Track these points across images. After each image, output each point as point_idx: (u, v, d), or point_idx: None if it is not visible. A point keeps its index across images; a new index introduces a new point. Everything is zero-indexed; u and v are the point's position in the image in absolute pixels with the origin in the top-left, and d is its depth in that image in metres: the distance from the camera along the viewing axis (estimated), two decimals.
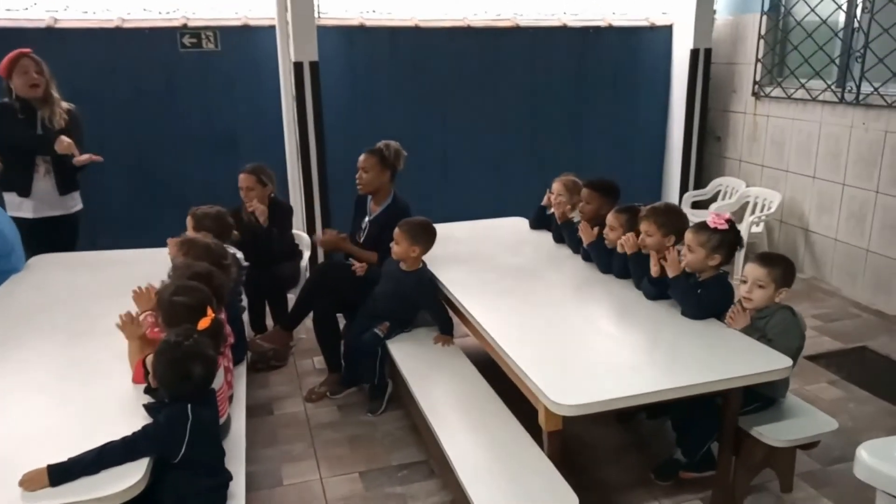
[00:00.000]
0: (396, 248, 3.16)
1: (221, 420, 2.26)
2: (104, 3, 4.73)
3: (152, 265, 3.03)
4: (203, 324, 2.11)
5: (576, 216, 3.64)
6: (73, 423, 2.05)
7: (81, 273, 3.38)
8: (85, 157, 3.69)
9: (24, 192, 3.67)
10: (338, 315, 3.57)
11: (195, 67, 4.83)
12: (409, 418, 3.21)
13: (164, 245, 3.50)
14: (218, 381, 2.20)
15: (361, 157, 3.61)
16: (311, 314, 3.58)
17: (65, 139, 3.58)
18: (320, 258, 4.64)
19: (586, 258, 3.39)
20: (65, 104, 3.76)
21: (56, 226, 3.80)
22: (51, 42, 4.46)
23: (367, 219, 3.72)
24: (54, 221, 3.80)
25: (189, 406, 1.89)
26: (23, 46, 3.80)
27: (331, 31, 4.96)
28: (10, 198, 3.72)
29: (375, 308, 3.31)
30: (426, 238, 3.20)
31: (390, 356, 3.18)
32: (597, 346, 2.58)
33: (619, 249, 3.08)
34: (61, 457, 1.77)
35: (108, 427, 1.91)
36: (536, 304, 2.96)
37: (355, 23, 5.11)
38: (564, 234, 3.62)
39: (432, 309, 3.23)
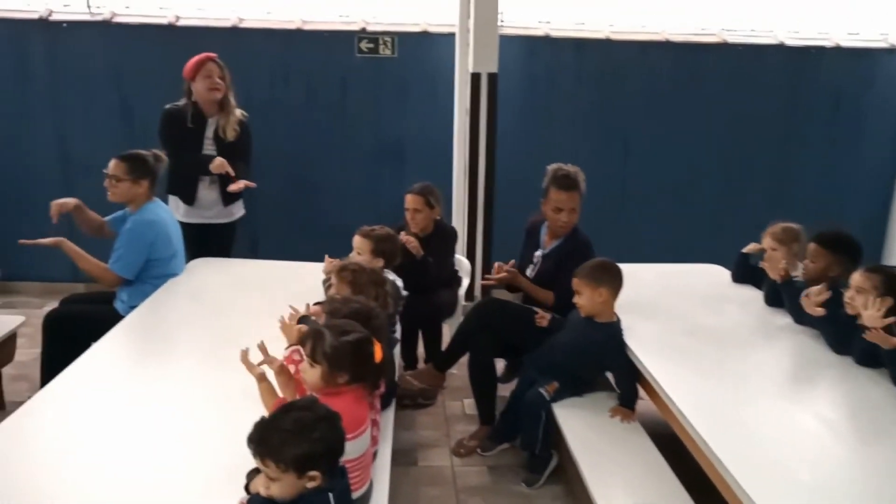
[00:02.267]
0: (581, 301, 2.67)
1: (361, 491, 1.88)
2: (286, 4, 4.67)
3: (310, 279, 3.01)
4: (378, 356, 1.84)
5: (795, 272, 2.95)
6: (197, 454, 1.85)
7: (237, 281, 3.25)
8: (240, 184, 3.59)
9: (189, 200, 3.64)
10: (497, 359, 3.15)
11: (369, 73, 4.64)
12: (573, 498, 2.70)
13: (320, 258, 3.31)
14: (362, 446, 1.83)
15: (559, 194, 3.15)
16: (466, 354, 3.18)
17: (218, 160, 3.50)
18: (467, 284, 4.21)
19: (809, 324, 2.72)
20: (238, 112, 3.67)
21: (216, 231, 3.75)
22: (233, 42, 4.45)
23: (539, 252, 3.26)
24: (215, 227, 3.74)
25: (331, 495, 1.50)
26: (207, 45, 3.77)
27: (512, 40, 4.57)
28: (175, 201, 3.68)
29: (548, 359, 2.82)
30: (611, 278, 2.67)
31: (556, 423, 2.69)
32: (828, 461, 1.93)
33: (868, 324, 2.37)
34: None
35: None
36: (747, 388, 2.35)
37: (539, 33, 4.69)
38: (784, 296, 2.93)
39: (619, 373, 2.70)
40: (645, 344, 2.66)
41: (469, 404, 3.34)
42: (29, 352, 3.56)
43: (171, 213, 3.37)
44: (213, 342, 2.56)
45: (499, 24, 4.37)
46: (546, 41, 4.67)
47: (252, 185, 3.63)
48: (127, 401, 2.15)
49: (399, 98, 4.69)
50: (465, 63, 4.39)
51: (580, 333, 2.73)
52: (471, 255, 4.41)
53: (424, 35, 4.61)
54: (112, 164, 3.09)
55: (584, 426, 2.60)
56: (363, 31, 4.56)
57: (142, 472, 1.79)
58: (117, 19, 4.52)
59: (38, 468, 1.79)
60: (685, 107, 4.82)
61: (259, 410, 1.95)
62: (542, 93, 4.73)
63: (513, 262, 3.29)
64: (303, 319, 2.61)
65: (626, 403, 2.66)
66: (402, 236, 3.37)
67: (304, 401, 1.62)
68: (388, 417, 2.45)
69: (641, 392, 2.68)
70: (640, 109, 4.81)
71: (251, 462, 1.52)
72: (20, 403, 3.25)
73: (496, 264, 3.29)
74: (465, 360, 3.19)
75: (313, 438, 1.44)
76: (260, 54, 4.54)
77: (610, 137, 4.83)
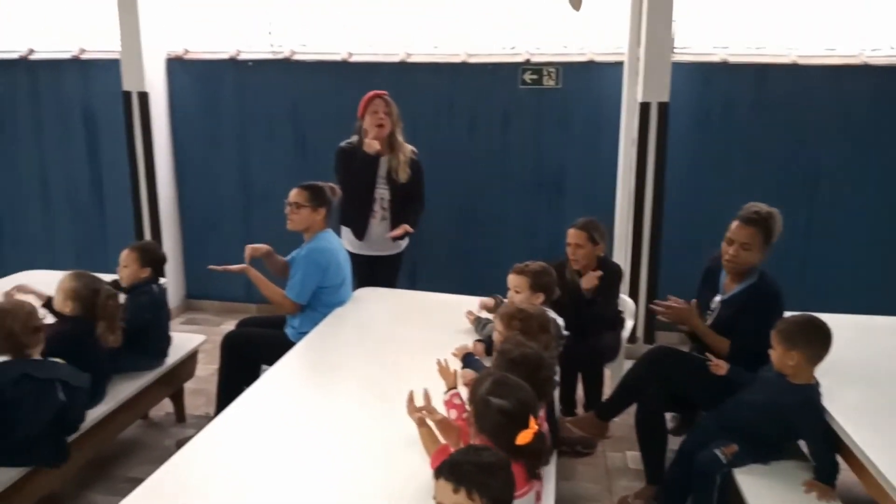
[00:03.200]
0: (773, 356, 2.39)
1: None
2: (452, 38, 4.73)
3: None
4: (523, 439, 1.64)
5: None
6: (356, 485, 1.85)
7: (400, 312, 3.29)
8: (400, 230, 3.67)
9: (360, 234, 3.75)
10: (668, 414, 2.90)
11: (531, 105, 4.57)
12: None
13: (476, 291, 3.26)
14: None
15: (735, 225, 2.87)
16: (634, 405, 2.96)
17: (398, 231, 3.66)
18: (631, 326, 3.94)
19: None
20: (409, 149, 3.74)
21: (383, 262, 3.84)
22: (401, 76, 4.58)
23: (718, 297, 2.98)
24: (383, 259, 3.84)
25: None
26: (377, 80, 3.90)
27: (684, 67, 4.31)
28: (347, 233, 3.82)
29: (731, 418, 2.54)
30: (807, 342, 2.35)
31: (737, 491, 2.40)
32: None
33: None
34: None
35: None
36: None
37: (716, 59, 4.39)
38: None
39: (815, 442, 2.37)
40: (847, 410, 2.34)
41: (633, 457, 3.12)
42: (207, 367, 3.82)
43: (341, 243, 3.47)
44: (377, 375, 2.58)
45: (671, 50, 4.15)
46: (723, 67, 4.36)
47: (411, 230, 3.70)
48: (295, 428, 2.20)
49: (561, 129, 4.58)
50: (634, 92, 4.21)
51: (771, 393, 2.43)
52: (634, 295, 4.17)
53: (590, 64, 4.48)
54: (294, 192, 3.26)
55: (773, 499, 2.30)
56: (527, 62, 4.51)
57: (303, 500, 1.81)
58: (296, 57, 4.82)
59: (213, 491, 1.86)
60: (886, 137, 4.29)
61: (415, 448, 1.92)
62: (717, 123, 4.41)
63: (694, 301, 3.03)
64: (466, 356, 2.56)
65: (825, 478, 2.31)
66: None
67: (484, 446, 1.60)
68: (549, 467, 2.32)
69: (842, 464, 2.34)
70: (831, 140, 4.34)
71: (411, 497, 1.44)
72: (198, 417, 3.52)
73: (670, 297, 3.05)
74: (630, 409, 2.98)
75: (499, 482, 1.45)
76: (425, 88, 4.63)
77: (794, 171, 4.40)
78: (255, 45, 4.96)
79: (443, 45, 4.75)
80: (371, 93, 3.70)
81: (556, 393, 2.98)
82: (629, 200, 4.26)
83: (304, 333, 3.03)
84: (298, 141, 4.89)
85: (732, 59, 4.36)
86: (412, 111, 3.96)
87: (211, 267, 3.26)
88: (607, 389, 3.44)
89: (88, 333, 2.70)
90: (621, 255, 4.34)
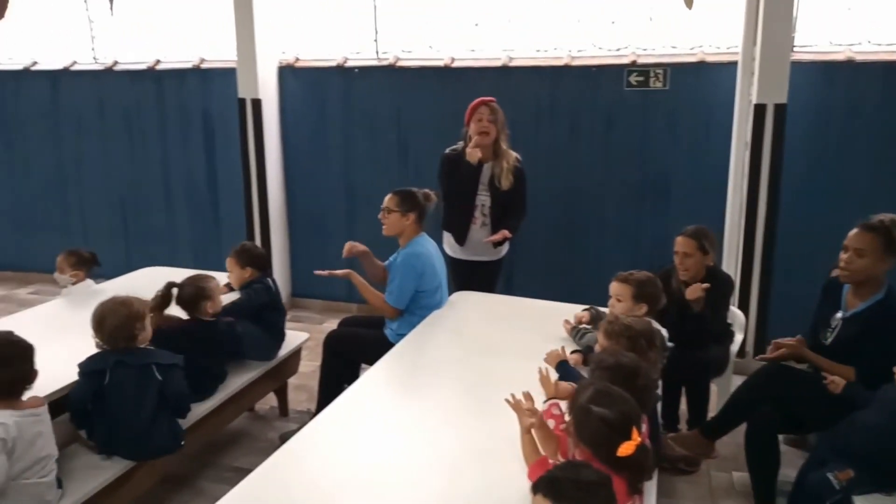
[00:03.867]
0: None
1: None
2: (557, 41, 4.67)
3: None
4: (625, 450, 1.59)
5: None
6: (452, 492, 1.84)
7: (496, 317, 3.26)
8: (497, 236, 3.63)
9: (460, 240, 3.76)
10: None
11: (637, 107, 4.44)
12: None
13: (574, 298, 3.20)
14: None
15: (853, 231, 2.67)
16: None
17: (505, 235, 3.64)
18: (741, 340, 3.73)
19: None
20: (513, 157, 3.72)
21: (483, 268, 3.83)
22: (503, 81, 4.57)
23: (840, 314, 2.78)
24: (483, 264, 3.83)
25: None
26: (478, 84, 3.91)
27: (804, 67, 4.05)
28: (448, 238, 3.85)
29: (845, 441, 2.36)
30: None
31: None
32: None
33: None
34: None
35: None
36: None
37: (841, 57, 4.09)
38: None
39: None
40: None
41: (740, 479, 2.95)
42: (309, 364, 3.95)
43: (436, 247, 3.50)
44: (472, 379, 2.58)
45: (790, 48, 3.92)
46: (847, 66, 4.06)
47: (510, 235, 3.67)
48: (393, 429, 2.23)
49: (668, 133, 4.42)
50: (748, 93, 4.00)
51: (892, 416, 2.24)
52: (745, 307, 3.96)
53: (700, 65, 4.30)
54: (387, 198, 3.33)
55: None
56: (633, 63, 4.39)
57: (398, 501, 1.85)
58: (401, 63, 4.91)
59: (315, 486, 1.91)
60: None
61: (511, 455, 1.89)
62: (839, 126, 4.11)
63: (799, 337, 2.85)
64: (562, 365, 2.51)
65: None
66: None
67: (584, 462, 1.57)
68: (650, 483, 2.23)
69: None
70: None
71: None
72: (300, 412, 3.64)
73: (773, 342, 2.88)
74: (738, 428, 2.83)
75: (599, 501, 1.42)
76: (527, 92, 4.59)
77: None
78: (362, 51, 5.09)
79: (545, 48, 4.70)
80: (478, 100, 3.70)
81: (659, 407, 2.89)
82: (741, 208, 4.04)
83: (402, 335, 3.08)
84: (401, 146, 4.98)
85: (859, 57, 4.05)
86: (512, 115, 3.93)
87: (317, 272, 3.36)
88: (713, 406, 3.28)
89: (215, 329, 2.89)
90: (731, 265, 4.13)
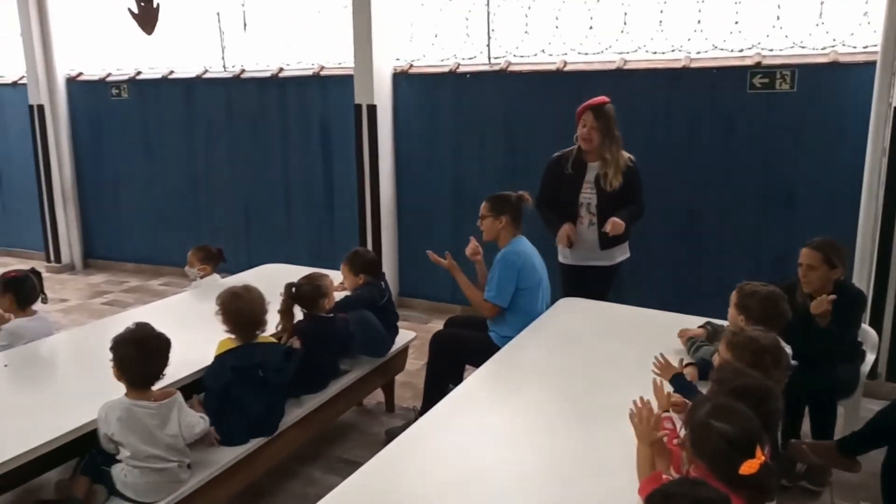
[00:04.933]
0: None
1: None
2: (676, 42, 4.52)
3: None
4: (748, 468, 1.51)
5: None
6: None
7: (604, 326, 3.19)
8: (609, 225, 3.48)
9: (567, 242, 3.69)
10: None
11: (761, 111, 4.22)
12: None
13: (690, 310, 3.09)
14: None
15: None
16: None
17: (563, 229, 3.56)
18: (872, 359, 3.44)
19: None
20: (625, 156, 3.61)
21: (594, 274, 3.71)
22: (617, 84, 4.47)
23: None
24: (594, 270, 3.71)
25: None
26: (591, 88, 3.84)
27: None
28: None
29: None
30: None
31: None
32: None
33: None
34: None
35: None
36: None
37: None
38: None
39: None
40: None
41: None
42: (416, 362, 4.04)
43: (536, 250, 3.47)
44: (578, 387, 2.54)
45: None
46: None
47: (620, 222, 3.45)
48: (496, 432, 2.23)
49: (794, 137, 4.17)
50: (887, 96, 3.70)
51: None
52: (877, 325, 3.67)
53: (833, 66, 4.03)
54: (482, 205, 3.40)
55: None
56: (757, 65, 4.17)
57: None
58: (512, 68, 4.92)
59: (420, 483, 1.95)
60: None
61: (620, 467, 1.85)
62: None
63: None
64: (677, 378, 2.42)
65: None
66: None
67: (701, 480, 1.51)
68: None
69: None
70: None
71: None
72: (405, 409, 3.73)
73: None
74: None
75: None
76: (642, 95, 4.48)
77: None
78: (475, 57, 5.15)
79: (662, 50, 4.56)
80: (585, 104, 3.63)
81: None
82: (875, 219, 3.75)
83: (507, 338, 3.09)
84: (509, 150, 4.99)
85: None
86: (626, 120, 3.84)
87: (430, 252, 3.47)
88: (839, 429, 3.06)
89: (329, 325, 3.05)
90: (863, 281, 3.83)
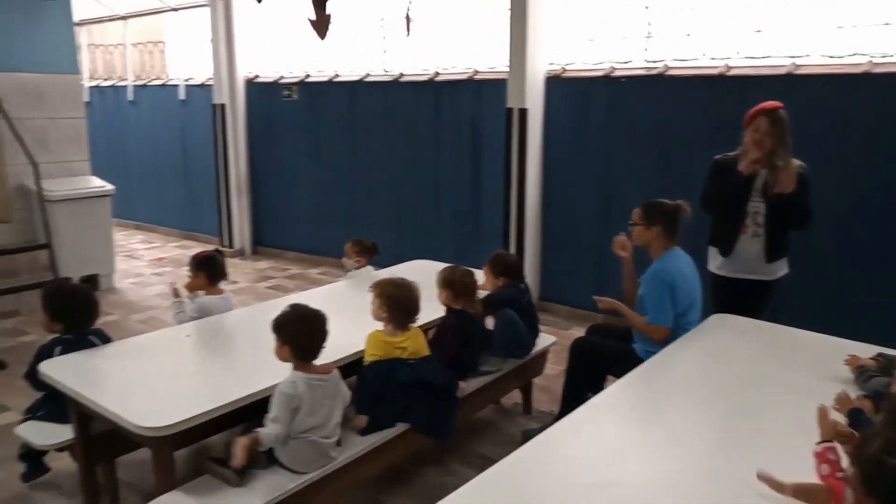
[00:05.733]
0: None
1: None
2: (856, 44, 4.16)
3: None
4: None
5: None
6: None
7: (759, 346, 3.01)
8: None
9: (726, 251, 3.51)
10: None
11: None
12: None
13: (859, 335, 2.85)
14: None
15: None
16: None
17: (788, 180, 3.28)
18: None
19: None
20: (795, 163, 3.37)
21: (751, 288, 3.49)
22: (786, 89, 4.18)
23: None
24: (751, 284, 3.49)
25: None
26: (755, 94, 3.63)
27: None
28: (713, 253, 3.60)
29: None
30: None
31: None
32: None
33: None
34: None
35: None
36: None
37: None
38: None
39: None
40: None
41: None
42: (554, 367, 4.04)
43: (692, 264, 3.33)
44: (728, 411, 2.42)
45: None
46: None
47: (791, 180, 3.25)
48: (632, 448, 2.19)
49: None
50: None
51: None
52: None
53: None
54: (634, 211, 3.31)
55: None
56: None
57: None
58: (671, 72, 4.77)
59: (552, 486, 1.97)
60: None
61: (771, 499, 1.76)
62: None
63: None
64: (855, 413, 2.24)
65: None
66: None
67: None
68: None
69: None
70: None
71: None
72: (542, 412, 3.74)
73: None
74: None
75: None
76: (815, 103, 4.17)
77: None
78: (630, 60, 5.05)
79: (840, 53, 4.22)
80: (758, 106, 3.40)
81: None
82: None
83: (651, 352, 3.01)
84: (663, 158, 4.85)
85: None
86: (795, 129, 3.60)
87: (596, 298, 3.39)
88: None
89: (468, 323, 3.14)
90: None
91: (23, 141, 5.48)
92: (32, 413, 2.87)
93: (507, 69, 5.19)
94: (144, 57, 8.79)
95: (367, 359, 2.77)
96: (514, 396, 3.82)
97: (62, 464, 3.03)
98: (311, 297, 3.57)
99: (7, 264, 5.46)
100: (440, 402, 2.85)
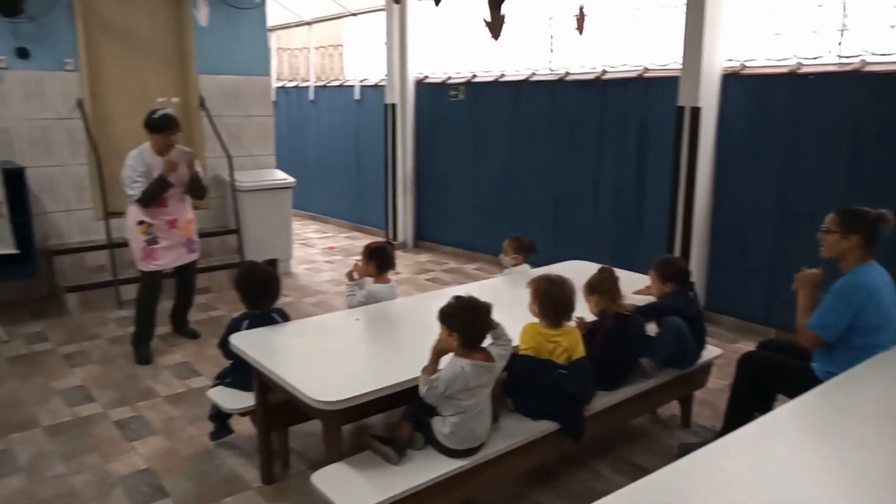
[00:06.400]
0: None
1: None
2: None
3: None
4: None
5: None
6: None
7: None
8: None
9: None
10: None
11: None
12: None
13: None
14: None
15: None
16: None
17: None
18: None
19: None
20: None
21: None
22: None
23: None
24: None
25: None
26: None
27: None
28: None
29: None
30: None
31: None
32: None
33: None
34: None
35: None
36: None
37: None
38: None
39: None
40: None
41: None
42: (718, 381, 3.83)
43: (890, 282, 3.00)
44: None
45: None
46: None
47: None
48: (807, 480, 2.02)
49: None
50: None
51: None
52: None
53: None
54: (828, 217, 2.99)
55: None
56: None
57: None
58: (868, 67, 4.32)
59: None
60: None
61: None
62: None
63: None
64: None
65: None
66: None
67: None
68: None
69: None
70: None
71: None
72: (701, 427, 3.57)
73: None
74: None
75: None
76: None
77: None
78: (820, 55, 4.64)
79: None
80: None
81: None
82: None
83: (831, 374, 2.76)
84: (854, 162, 4.41)
85: None
86: None
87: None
88: None
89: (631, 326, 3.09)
90: None
91: (220, 136, 6.13)
92: (221, 379, 3.22)
93: (680, 66, 4.97)
94: (325, 59, 9.45)
95: (521, 349, 2.80)
96: (671, 408, 3.67)
97: (243, 428, 3.36)
98: (468, 292, 3.66)
99: (201, 246, 6.13)
100: (579, 405, 2.85)
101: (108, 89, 5.85)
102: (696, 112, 4.90)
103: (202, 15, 5.62)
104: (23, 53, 5.29)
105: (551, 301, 2.80)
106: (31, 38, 5.30)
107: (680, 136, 5.03)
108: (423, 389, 2.47)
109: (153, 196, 4.24)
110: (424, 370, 2.49)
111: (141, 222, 4.34)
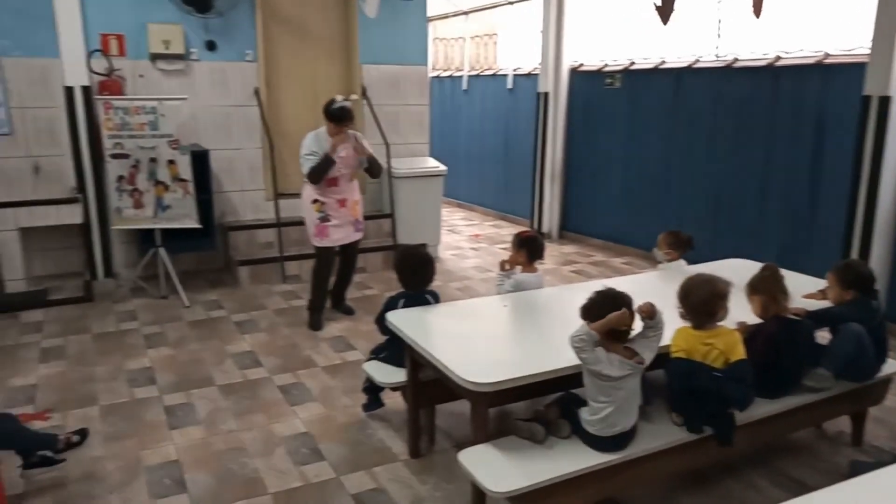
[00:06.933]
0: None
1: None
2: None
3: None
4: None
5: None
6: None
7: None
8: None
9: None
10: None
11: None
12: None
13: None
14: None
15: None
16: None
17: None
18: None
19: None
20: None
21: None
22: None
23: None
24: None
25: None
26: None
27: None
28: None
29: None
30: None
31: None
32: None
33: None
34: None
35: None
36: None
37: None
38: None
39: None
40: None
41: None
42: (895, 399, 3.48)
43: None
44: None
45: None
46: None
47: None
48: None
49: None
50: None
51: None
52: None
53: None
54: None
55: None
56: None
57: None
58: None
59: None
60: None
61: None
62: None
63: None
64: None
65: None
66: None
67: None
68: None
69: None
70: None
71: None
72: (876, 448, 3.26)
73: None
74: None
75: None
76: None
77: None
78: None
79: None
80: None
81: None
82: None
83: None
84: None
85: None
86: None
87: None
88: None
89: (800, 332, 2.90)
90: None
91: (380, 124, 6.39)
92: (376, 354, 3.39)
93: (869, 51, 4.51)
94: (479, 49, 9.55)
95: (672, 351, 2.69)
96: (840, 424, 3.37)
97: (393, 402, 3.52)
98: (617, 286, 3.58)
99: None
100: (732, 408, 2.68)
101: (280, 79, 6.30)
102: (885, 102, 4.42)
103: (372, 6, 5.88)
104: (211, 46, 5.83)
105: (692, 302, 2.66)
106: (218, 32, 5.82)
107: (864, 128, 4.57)
108: (575, 340, 2.43)
109: (319, 172, 4.56)
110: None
111: (315, 201, 4.70)
